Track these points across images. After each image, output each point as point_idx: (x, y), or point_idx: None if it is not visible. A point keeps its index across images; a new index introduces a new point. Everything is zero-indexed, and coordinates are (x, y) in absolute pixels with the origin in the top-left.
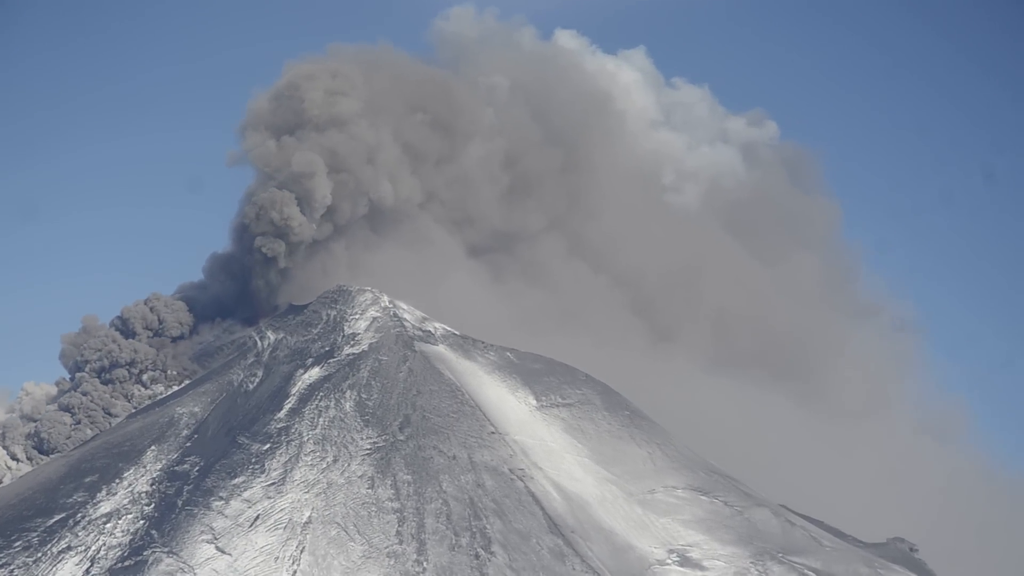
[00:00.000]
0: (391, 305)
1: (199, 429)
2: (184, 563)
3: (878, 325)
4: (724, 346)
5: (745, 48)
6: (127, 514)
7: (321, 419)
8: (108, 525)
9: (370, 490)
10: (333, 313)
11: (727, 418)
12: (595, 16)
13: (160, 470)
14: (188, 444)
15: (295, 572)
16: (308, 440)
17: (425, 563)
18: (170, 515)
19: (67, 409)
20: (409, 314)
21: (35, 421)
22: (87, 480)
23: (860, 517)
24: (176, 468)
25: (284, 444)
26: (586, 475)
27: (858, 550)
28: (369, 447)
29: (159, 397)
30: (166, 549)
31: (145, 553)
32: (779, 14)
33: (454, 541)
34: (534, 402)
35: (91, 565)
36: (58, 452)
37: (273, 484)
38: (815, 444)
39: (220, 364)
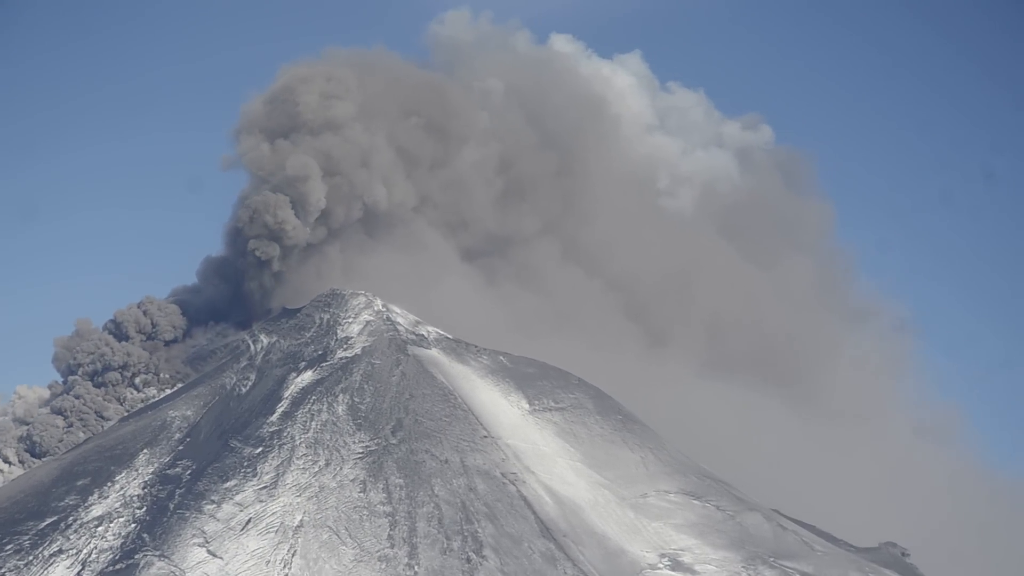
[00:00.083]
0: (384, 309)
1: (191, 432)
2: (175, 567)
3: (872, 328)
4: (718, 350)
5: (741, 52)
6: (119, 517)
7: (313, 423)
8: (100, 528)
9: (362, 494)
10: (326, 317)
11: (721, 422)
12: (591, 21)
13: (152, 473)
14: (180, 447)
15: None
16: (300, 444)
17: (417, 567)
18: (162, 518)
19: (59, 412)
20: (402, 318)
21: (27, 424)
22: (79, 483)
23: (853, 521)
24: (168, 471)
25: (276, 448)
26: (578, 479)
27: (850, 554)
28: (361, 451)
29: (152, 400)
30: (157, 552)
31: (136, 556)
32: (775, 18)
33: (446, 545)
34: (527, 406)
35: (82, 568)
36: (50, 455)
37: (265, 488)
38: (808, 448)
39: (213, 368)
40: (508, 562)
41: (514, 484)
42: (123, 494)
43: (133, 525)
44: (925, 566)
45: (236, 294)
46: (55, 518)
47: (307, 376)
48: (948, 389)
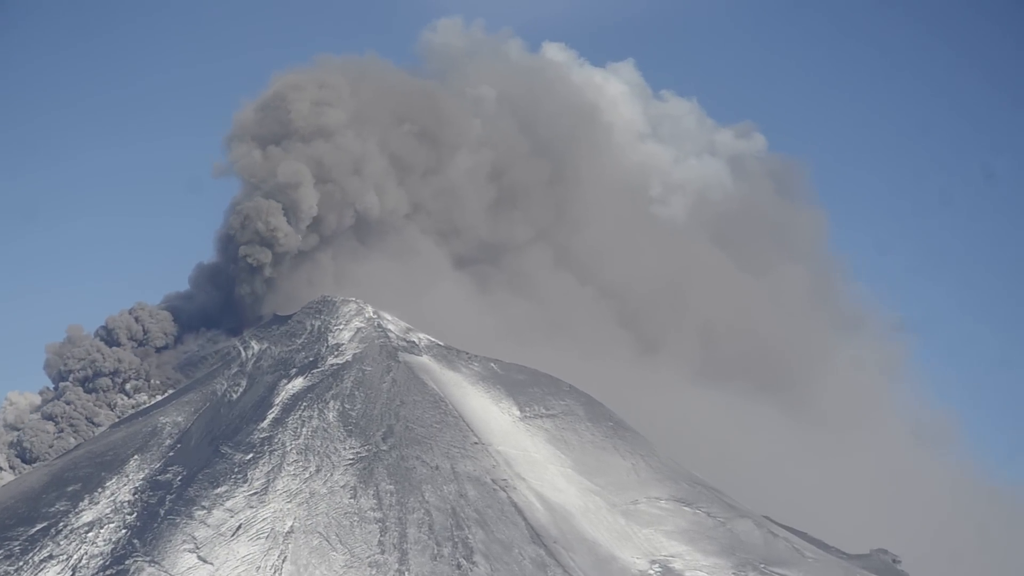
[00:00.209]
0: (375, 316)
1: (182, 439)
2: (166, 572)
3: (866, 334)
4: (710, 357)
5: (734, 61)
6: (109, 523)
7: (304, 429)
8: (90, 534)
9: (352, 500)
10: (317, 323)
11: (713, 429)
12: (583, 29)
13: (143, 479)
14: (171, 453)
15: None
16: (291, 450)
17: (407, 573)
18: (152, 524)
19: (50, 418)
20: (393, 325)
21: (18, 430)
22: (70, 489)
23: (846, 528)
24: (159, 477)
25: (267, 454)
26: (569, 486)
27: (841, 561)
28: (352, 457)
29: (142, 406)
30: (148, 558)
31: (127, 562)
32: (769, 26)
33: (436, 551)
34: (518, 413)
35: (73, 574)
36: (41, 461)
37: (256, 494)
38: (801, 455)
39: (204, 374)
40: (498, 568)
41: (505, 490)
42: (114, 500)
43: (123, 531)
44: (920, 573)
45: (228, 301)
46: (45, 524)
47: (298, 383)
48: (944, 394)
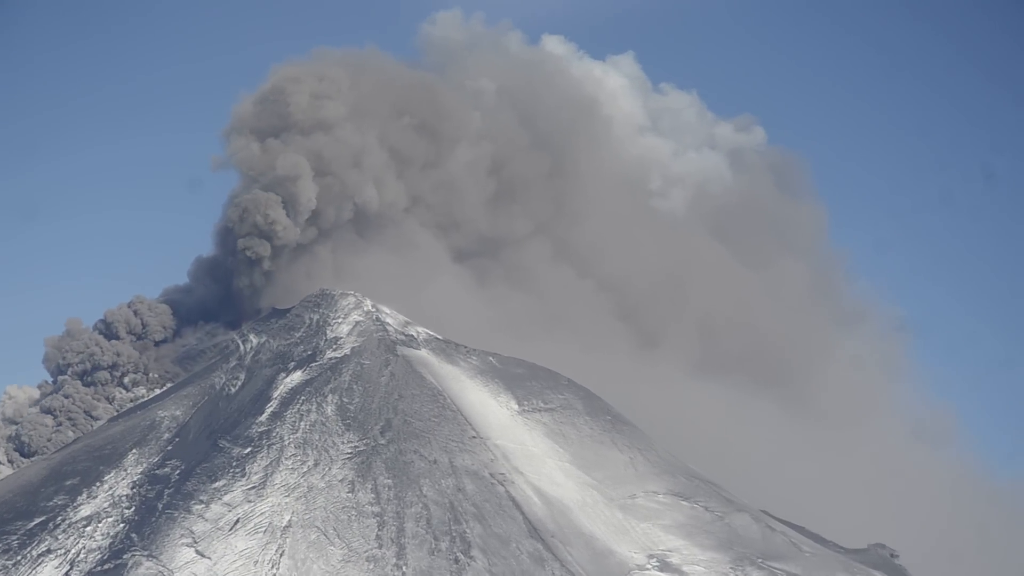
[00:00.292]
0: (374, 309)
1: (180, 432)
2: (164, 567)
3: (866, 330)
4: (710, 351)
5: (734, 54)
6: (107, 517)
7: (302, 423)
8: (88, 528)
9: (350, 494)
10: (316, 317)
11: (712, 423)
12: (583, 22)
13: (141, 473)
14: (169, 447)
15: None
16: (289, 444)
17: (405, 567)
18: (150, 518)
19: (49, 412)
20: (392, 318)
21: (16, 424)
22: (68, 483)
23: (845, 523)
24: (157, 471)
25: (265, 448)
26: (567, 480)
27: (838, 555)
28: (350, 451)
29: (141, 400)
30: (146, 552)
31: (125, 556)
32: (769, 19)
33: (434, 545)
34: (516, 407)
35: (71, 568)
36: (39, 455)
37: (254, 488)
38: (800, 449)
39: (202, 368)
40: (496, 562)
41: (503, 484)
42: (112, 494)
43: (121, 525)
44: (919, 568)
45: (226, 294)
46: (43, 518)
47: (296, 376)
48: (943, 391)
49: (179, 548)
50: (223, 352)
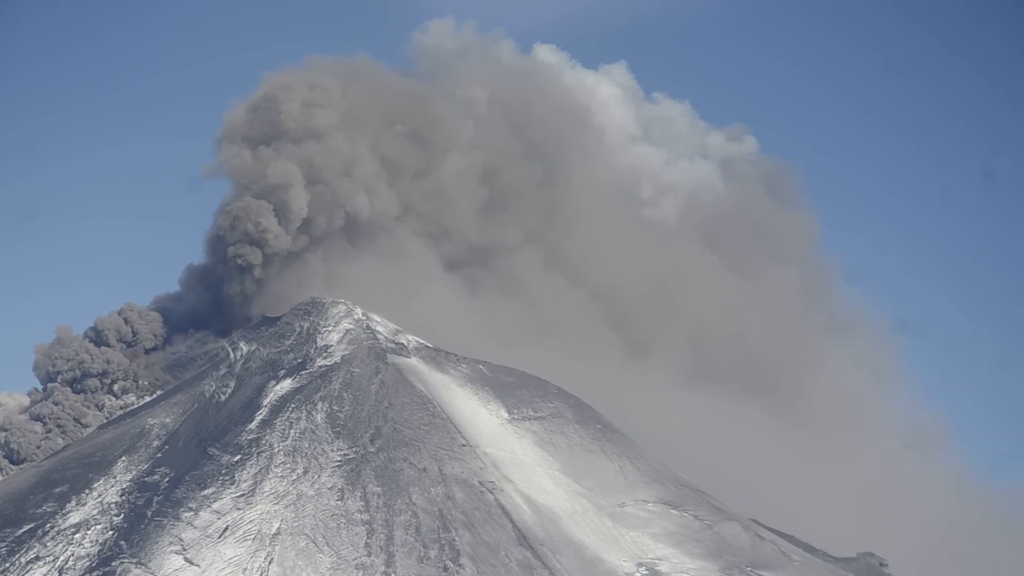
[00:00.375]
0: (364, 317)
1: (170, 440)
2: (152, 574)
3: (857, 339)
4: (700, 360)
5: (727, 63)
6: (96, 524)
7: (292, 431)
8: (77, 535)
9: (340, 502)
10: (306, 325)
11: (702, 432)
12: (575, 31)
13: (130, 480)
14: (159, 455)
15: None
16: (279, 451)
17: (393, 575)
18: (139, 526)
19: (38, 419)
20: (382, 326)
21: (6, 431)
22: (57, 490)
23: (836, 532)
24: (146, 479)
25: (255, 455)
26: (556, 488)
27: (827, 564)
28: (339, 459)
29: (131, 408)
30: (135, 560)
31: (113, 564)
32: (762, 29)
33: (423, 553)
34: (506, 415)
35: (59, 575)
36: (28, 462)
37: (243, 495)
38: (791, 458)
39: (192, 375)
40: (485, 570)
41: (492, 493)
42: (101, 501)
43: (110, 532)
44: None
45: (217, 302)
46: (32, 525)
47: (286, 384)
48: (936, 398)
49: (168, 555)
50: (213, 360)
